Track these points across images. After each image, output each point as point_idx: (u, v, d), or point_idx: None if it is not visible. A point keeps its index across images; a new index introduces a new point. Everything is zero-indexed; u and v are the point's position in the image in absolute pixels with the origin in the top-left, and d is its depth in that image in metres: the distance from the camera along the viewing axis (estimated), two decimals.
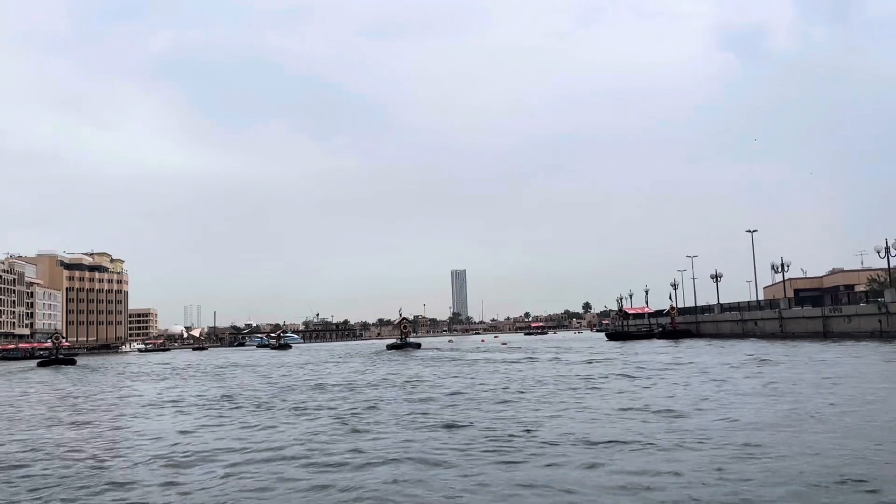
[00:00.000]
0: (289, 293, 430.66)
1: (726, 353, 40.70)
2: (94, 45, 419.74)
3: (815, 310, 60.47)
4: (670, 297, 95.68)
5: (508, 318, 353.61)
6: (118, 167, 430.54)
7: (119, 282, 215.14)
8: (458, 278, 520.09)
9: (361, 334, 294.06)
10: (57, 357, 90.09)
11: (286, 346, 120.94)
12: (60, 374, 58.34)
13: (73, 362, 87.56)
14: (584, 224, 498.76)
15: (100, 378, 47.31)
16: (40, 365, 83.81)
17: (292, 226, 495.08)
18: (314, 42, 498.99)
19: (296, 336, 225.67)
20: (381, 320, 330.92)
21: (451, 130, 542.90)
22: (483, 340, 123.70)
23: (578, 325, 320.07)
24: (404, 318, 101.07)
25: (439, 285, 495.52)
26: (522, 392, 22.42)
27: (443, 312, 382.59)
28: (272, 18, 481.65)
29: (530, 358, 44.51)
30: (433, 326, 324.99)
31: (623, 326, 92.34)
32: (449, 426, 15.48)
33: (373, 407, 19.73)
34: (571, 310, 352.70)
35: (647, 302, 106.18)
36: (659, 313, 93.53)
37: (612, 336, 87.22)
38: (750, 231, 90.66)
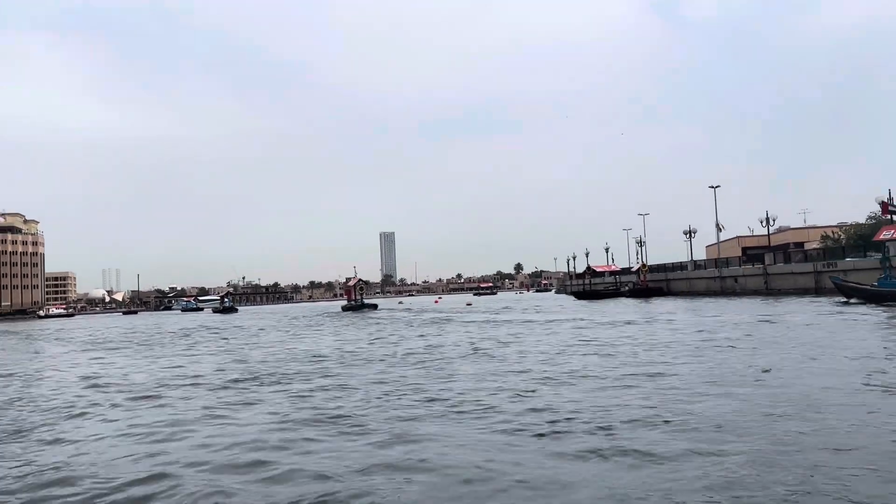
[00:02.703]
0: (211, 256, 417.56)
1: (780, 309, 37.61)
2: None
3: (807, 265, 59.00)
4: (638, 255, 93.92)
5: (441, 280, 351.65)
6: (25, 125, 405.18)
7: (34, 244, 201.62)
8: (387, 240, 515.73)
9: (293, 297, 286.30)
10: None
11: (232, 310, 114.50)
12: None
13: None
14: (513, 186, 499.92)
15: (48, 347, 41.37)
16: None
17: (214, 187, 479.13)
18: None
19: (226, 300, 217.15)
20: (312, 283, 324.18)
21: (380, 91, 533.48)
22: (437, 301, 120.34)
23: (511, 285, 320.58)
24: (360, 280, 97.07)
25: (367, 248, 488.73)
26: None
27: (372, 275, 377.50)
28: None
29: (548, 321, 40.44)
30: (367, 288, 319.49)
31: (590, 285, 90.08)
32: None
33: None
34: (504, 271, 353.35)
35: (608, 260, 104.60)
36: (626, 271, 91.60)
37: (581, 295, 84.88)
38: (713, 187, 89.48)
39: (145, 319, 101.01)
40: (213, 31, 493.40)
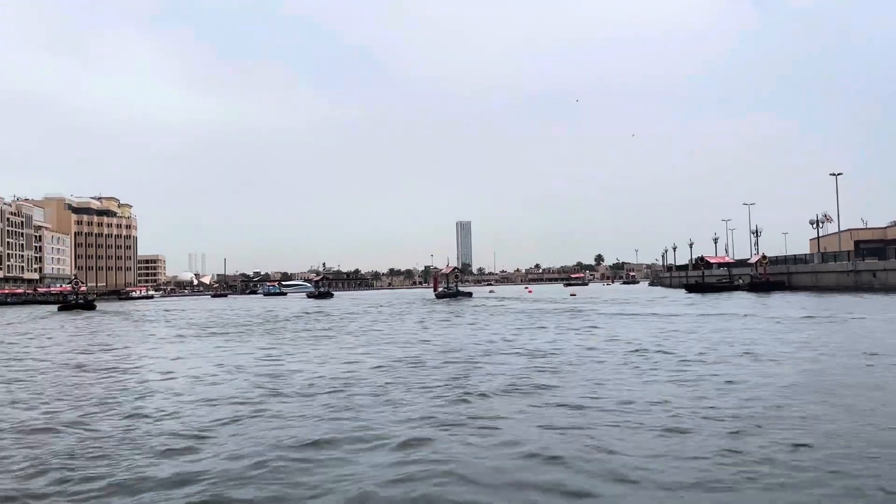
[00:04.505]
0: (290, 242, 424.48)
1: None
2: None
3: None
4: (756, 246, 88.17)
5: (519, 270, 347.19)
6: (120, 113, 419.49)
7: (128, 227, 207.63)
8: (464, 229, 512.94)
9: (373, 284, 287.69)
10: (76, 301, 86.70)
11: (328, 295, 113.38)
12: (105, 321, 51.26)
13: (92, 307, 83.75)
14: (590, 176, 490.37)
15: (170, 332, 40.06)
16: (61, 309, 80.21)
17: (294, 174, 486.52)
18: None
19: (308, 285, 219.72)
20: (392, 270, 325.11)
21: (458, 79, 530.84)
22: (529, 291, 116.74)
23: (592, 276, 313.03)
24: (455, 268, 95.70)
25: (443, 236, 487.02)
26: None
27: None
28: None
29: (700, 314, 36.43)
30: (441, 278, 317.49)
31: (702, 277, 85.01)
32: None
33: None
34: (584, 262, 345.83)
35: (717, 251, 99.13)
36: (740, 263, 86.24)
37: (692, 288, 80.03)
38: (834, 174, 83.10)
39: (242, 303, 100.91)
40: (296, 22, 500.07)
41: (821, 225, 74.29)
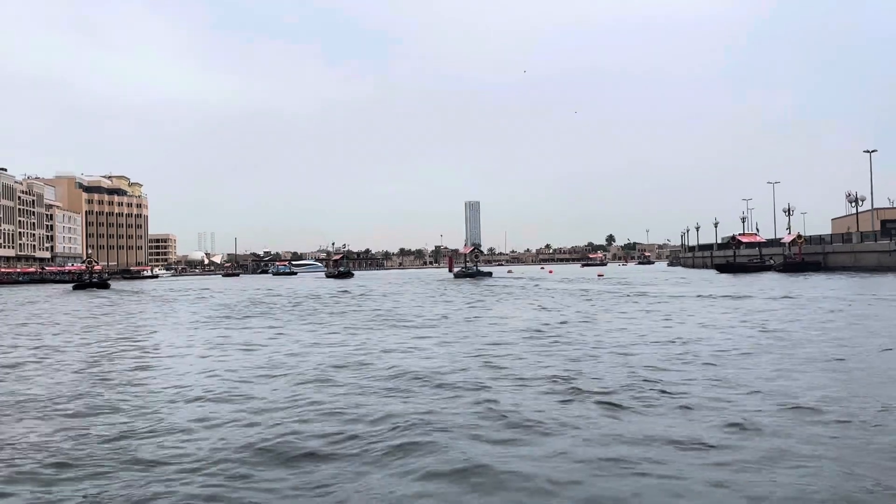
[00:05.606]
0: (299, 222, 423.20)
1: None
2: None
3: None
4: (789, 225, 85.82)
5: (529, 250, 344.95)
6: (129, 91, 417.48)
7: (139, 206, 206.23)
8: (472, 210, 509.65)
9: (384, 264, 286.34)
10: (91, 280, 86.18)
11: (349, 274, 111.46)
12: (134, 302, 49.69)
13: (106, 286, 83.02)
14: (600, 157, 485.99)
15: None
16: (76, 288, 79.74)
17: (302, 154, 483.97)
18: None
19: (319, 264, 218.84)
20: (402, 250, 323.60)
21: (468, 59, 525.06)
22: (551, 272, 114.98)
23: (604, 256, 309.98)
24: (475, 247, 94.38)
25: (452, 216, 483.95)
26: None
27: (458, 243, 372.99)
28: None
29: (779, 297, 32.68)
30: (455, 257, 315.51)
31: (734, 257, 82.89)
32: None
33: None
34: (595, 242, 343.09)
35: (745, 230, 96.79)
36: (772, 242, 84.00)
37: (724, 268, 78.06)
38: (868, 151, 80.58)
39: (258, 282, 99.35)
40: (308, 1, 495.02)
41: (860, 203, 71.96)
